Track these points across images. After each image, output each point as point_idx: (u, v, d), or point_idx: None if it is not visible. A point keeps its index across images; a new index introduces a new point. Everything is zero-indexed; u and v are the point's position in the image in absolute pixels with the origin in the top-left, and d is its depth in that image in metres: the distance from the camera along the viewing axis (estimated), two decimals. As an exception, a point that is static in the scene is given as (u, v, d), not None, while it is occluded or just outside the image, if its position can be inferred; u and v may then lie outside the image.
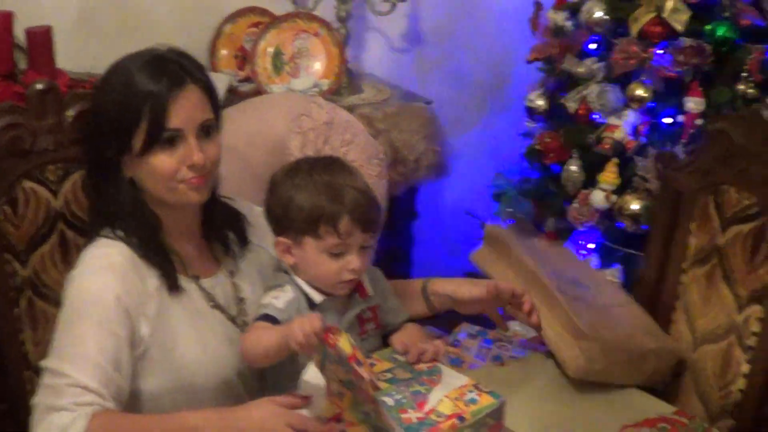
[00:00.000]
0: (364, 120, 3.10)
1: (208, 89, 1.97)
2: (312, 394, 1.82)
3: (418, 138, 3.18)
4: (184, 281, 2.01)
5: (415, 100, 3.62)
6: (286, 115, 2.86)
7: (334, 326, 1.75)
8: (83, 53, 3.31)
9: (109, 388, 1.84)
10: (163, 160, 1.91)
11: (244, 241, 2.15)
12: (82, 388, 1.82)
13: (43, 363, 1.88)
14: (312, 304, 1.99)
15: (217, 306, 2.05)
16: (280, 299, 1.98)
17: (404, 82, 3.84)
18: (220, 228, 2.11)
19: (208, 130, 1.96)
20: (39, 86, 2.09)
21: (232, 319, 2.06)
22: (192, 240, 2.07)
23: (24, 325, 2.14)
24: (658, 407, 2.13)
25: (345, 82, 3.57)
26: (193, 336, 1.99)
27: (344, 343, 1.71)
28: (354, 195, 1.94)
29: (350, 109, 3.27)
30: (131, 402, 1.93)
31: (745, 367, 2.22)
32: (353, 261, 1.95)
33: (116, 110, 1.90)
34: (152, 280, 1.96)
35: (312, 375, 1.82)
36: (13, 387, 2.16)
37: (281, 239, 2.00)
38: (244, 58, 3.58)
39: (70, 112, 2.13)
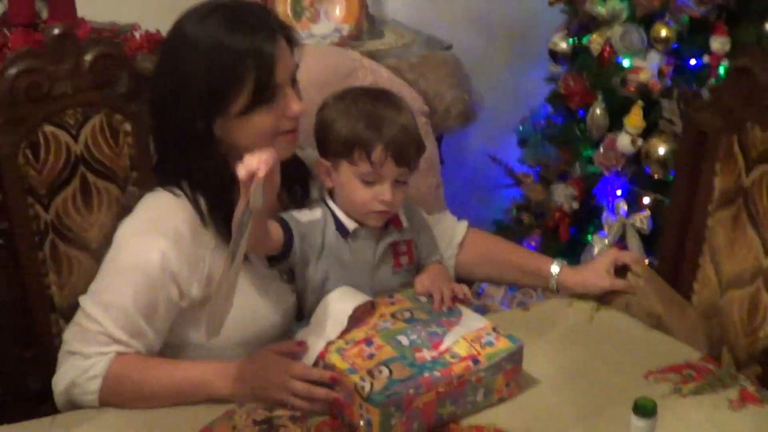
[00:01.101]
0: (393, 72, 3.09)
1: (289, 35, 1.96)
2: (306, 339, 1.87)
3: (445, 86, 3.18)
4: None
5: (435, 44, 3.59)
6: (334, 75, 2.83)
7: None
8: (103, 3, 3.29)
9: (138, 340, 1.91)
10: (264, 117, 1.91)
11: (306, 194, 2.15)
12: (109, 337, 1.89)
13: (81, 299, 1.95)
14: (344, 232, 2.03)
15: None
16: (304, 214, 2.03)
17: (426, 27, 3.80)
18: (289, 178, 2.09)
19: (295, 78, 1.98)
20: (56, 31, 2.10)
21: (286, 279, 2.08)
22: None
23: (48, 269, 2.16)
24: (685, 353, 2.10)
25: (365, 26, 3.54)
26: (245, 297, 1.99)
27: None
28: (392, 127, 1.97)
29: (373, 56, 3.25)
30: (177, 351, 2.00)
31: (773, 313, 2.19)
32: (385, 192, 1.98)
33: (212, 75, 1.87)
34: (210, 240, 1.97)
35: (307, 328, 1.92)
36: (39, 333, 2.18)
37: (322, 160, 2.04)
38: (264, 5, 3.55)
39: (88, 57, 2.12)
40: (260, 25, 1.89)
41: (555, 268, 2.26)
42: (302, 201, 2.13)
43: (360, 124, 1.96)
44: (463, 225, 2.33)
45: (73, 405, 1.92)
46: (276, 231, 1.96)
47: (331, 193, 2.07)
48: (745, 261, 2.25)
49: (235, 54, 1.86)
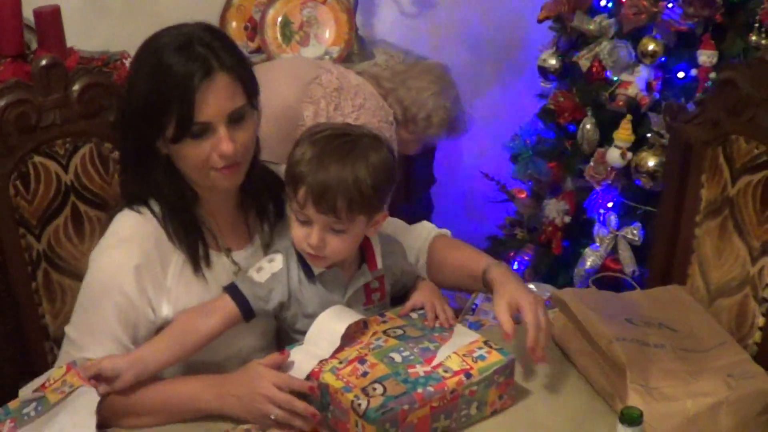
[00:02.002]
0: (371, 80, 3.09)
1: (239, 75, 1.89)
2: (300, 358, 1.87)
3: (427, 95, 3.13)
4: (214, 255, 2.01)
5: (425, 63, 3.61)
6: (296, 83, 2.86)
7: None
8: (93, 32, 3.33)
9: None
10: (193, 150, 1.87)
11: (281, 212, 2.10)
12: None
13: (66, 329, 1.96)
14: (311, 274, 1.98)
15: None
16: (263, 272, 1.97)
17: (417, 47, 3.83)
18: (258, 196, 2.08)
19: (239, 118, 1.89)
20: (43, 62, 2.11)
21: None
22: (227, 211, 2.05)
23: (41, 298, 2.17)
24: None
25: (355, 48, 3.58)
26: None
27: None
28: (327, 175, 1.85)
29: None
30: (179, 371, 1.99)
31: (761, 320, 2.19)
32: (312, 235, 1.89)
33: (147, 97, 1.86)
34: (175, 263, 1.97)
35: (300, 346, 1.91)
36: (35, 361, 2.18)
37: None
38: (254, 29, 3.58)
39: (76, 87, 2.14)
40: (199, 57, 1.84)
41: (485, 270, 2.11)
42: (276, 221, 2.09)
43: (304, 161, 1.87)
44: (427, 240, 2.24)
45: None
46: (226, 308, 1.93)
47: None
48: (732, 269, 2.26)
49: (163, 80, 1.84)
